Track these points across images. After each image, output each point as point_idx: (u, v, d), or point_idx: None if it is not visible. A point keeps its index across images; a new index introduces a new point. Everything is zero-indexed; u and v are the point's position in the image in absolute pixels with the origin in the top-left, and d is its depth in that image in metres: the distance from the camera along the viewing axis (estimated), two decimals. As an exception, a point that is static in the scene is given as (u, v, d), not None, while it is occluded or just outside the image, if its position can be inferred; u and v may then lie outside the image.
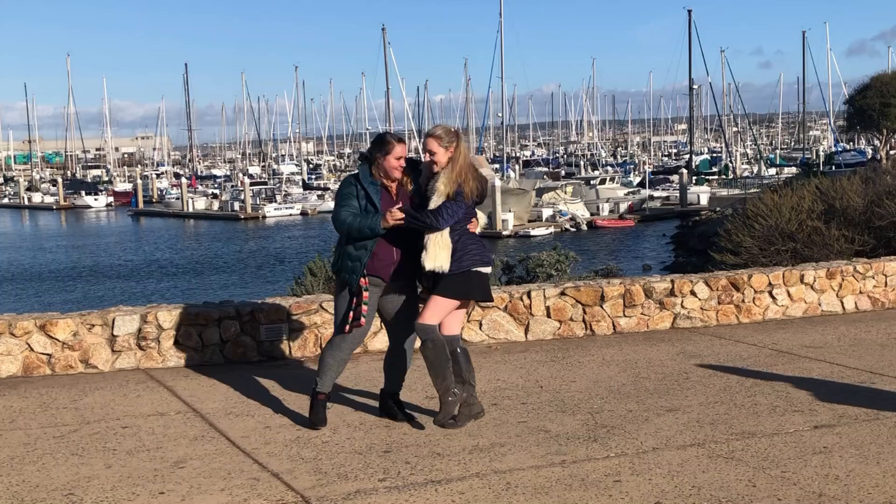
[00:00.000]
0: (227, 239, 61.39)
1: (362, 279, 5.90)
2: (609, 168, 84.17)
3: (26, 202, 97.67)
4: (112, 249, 57.26)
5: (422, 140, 5.96)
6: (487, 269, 5.99)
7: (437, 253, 5.74)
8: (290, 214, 73.72)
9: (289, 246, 55.53)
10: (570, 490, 4.87)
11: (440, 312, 5.85)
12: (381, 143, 5.98)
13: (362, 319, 5.93)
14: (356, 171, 6.05)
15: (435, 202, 5.76)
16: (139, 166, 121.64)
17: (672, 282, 9.34)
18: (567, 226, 57.71)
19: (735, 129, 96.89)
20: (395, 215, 5.77)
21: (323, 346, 7.23)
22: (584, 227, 57.95)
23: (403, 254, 5.93)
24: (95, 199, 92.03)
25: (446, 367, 5.86)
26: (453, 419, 5.95)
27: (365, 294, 5.91)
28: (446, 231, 5.76)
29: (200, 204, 79.50)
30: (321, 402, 6.08)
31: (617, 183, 70.56)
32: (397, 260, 5.95)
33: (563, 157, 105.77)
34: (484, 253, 5.96)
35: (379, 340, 8.05)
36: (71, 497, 4.88)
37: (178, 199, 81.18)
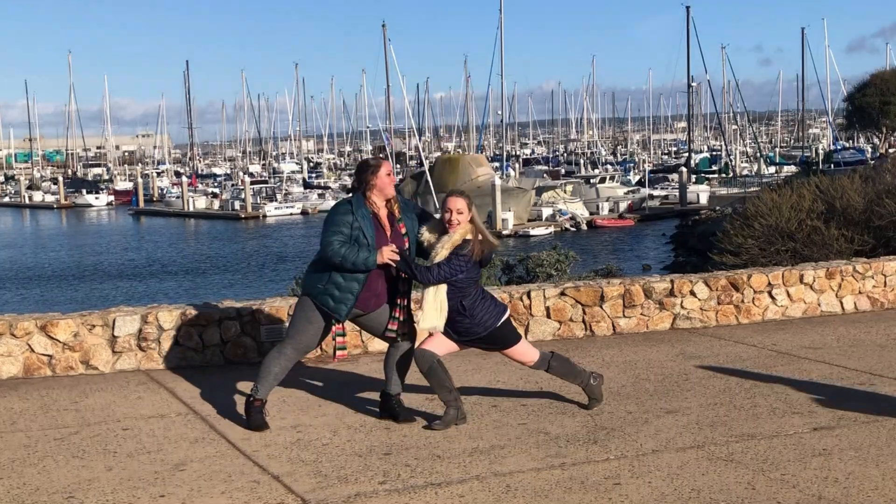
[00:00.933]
0: (227, 238, 61.43)
1: (338, 325, 6.08)
2: (609, 167, 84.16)
3: (27, 201, 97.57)
4: (113, 249, 57.31)
5: (445, 198, 6.12)
6: (506, 315, 6.27)
7: (433, 314, 5.95)
8: (291, 213, 73.69)
9: (290, 245, 55.55)
10: (570, 493, 4.88)
11: (527, 348, 6.32)
12: (367, 166, 6.09)
13: (346, 352, 6.26)
14: (349, 197, 6.09)
15: (432, 260, 5.95)
16: (140, 165, 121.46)
17: (672, 282, 9.34)
18: (567, 225, 57.71)
19: (735, 126, 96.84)
20: (392, 256, 5.85)
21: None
22: (584, 227, 57.96)
23: (387, 286, 6.05)
24: (96, 198, 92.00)
25: (449, 379, 6.09)
26: (440, 420, 6.06)
27: (341, 326, 6.12)
28: (443, 291, 5.93)
29: (201, 203, 79.43)
30: (257, 409, 6.11)
31: (616, 182, 70.55)
32: (381, 292, 6.04)
33: (562, 155, 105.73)
34: (500, 303, 6.24)
35: (379, 342, 8.04)
36: (71, 500, 4.89)
37: (178, 198, 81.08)
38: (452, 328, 6.04)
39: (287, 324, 8.11)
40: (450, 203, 6.03)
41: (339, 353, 6.23)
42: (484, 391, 6.95)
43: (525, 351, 6.30)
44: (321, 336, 6.16)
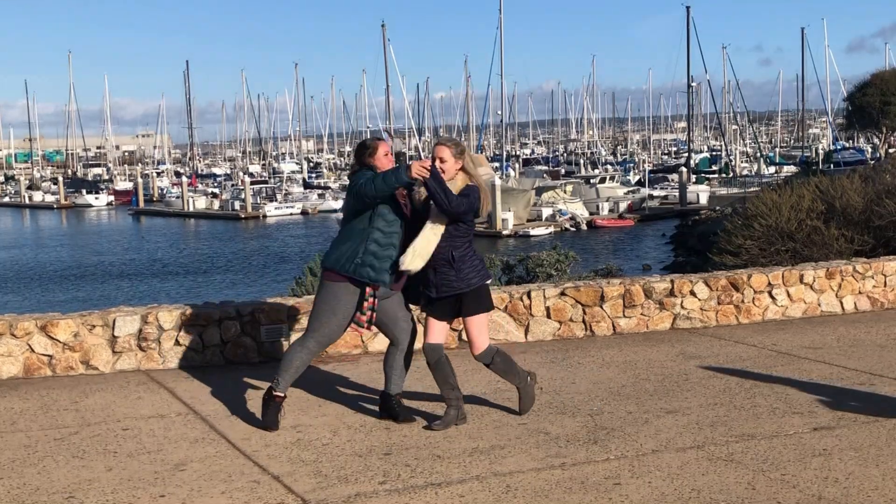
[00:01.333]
0: (227, 238, 61.42)
1: (369, 287, 5.96)
2: (609, 167, 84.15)
3: (27, 201, 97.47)
4: (113, 249, 57.29)
5: (432, 147, 6.04)
6: (489, 280, 6.18)
7: (416, 259, 5.82)
8: (291, 214, 73.67)
9: (290, 245, 55.54)
10: (570, 493, 4.88)
11: (486, 330, 6.14)
12: (365, 147, 6.11)
13: (370, 316, 6.02)
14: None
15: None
16: (140, 165, 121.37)
17: (672, 282, 9.35)
18: (567, 225, 57.67)
19: (735, 126, 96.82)
20: (422, 171, 5.67)
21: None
22: (584, 227, 57.94)
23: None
24: (96, 198, 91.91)
25: (454, 377, 6.09)
26: (440, 420, 6.05)
27: (373, 301, 5.99)
28: (435, 240, 5.83)
29: (201, 203, 79.34)
30: (277, 405, 6.07)
31: (616, 182, 70.52)
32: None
33: (562, 155, 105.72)
34: (484, 266, 6.14)
35: (379, 341, 8.05)
36: (71, 500, 4.89)
37: (178, 198, 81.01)
38: (435, 281, 5.91)
39: (286, 324, 8.13)
40: (435, 152, 5.95)
41: (363, 318, 5.93)
42: (483, 391, 6.95)
43: (483, 330, 6.10)
44: (344, 327, 6.10)
